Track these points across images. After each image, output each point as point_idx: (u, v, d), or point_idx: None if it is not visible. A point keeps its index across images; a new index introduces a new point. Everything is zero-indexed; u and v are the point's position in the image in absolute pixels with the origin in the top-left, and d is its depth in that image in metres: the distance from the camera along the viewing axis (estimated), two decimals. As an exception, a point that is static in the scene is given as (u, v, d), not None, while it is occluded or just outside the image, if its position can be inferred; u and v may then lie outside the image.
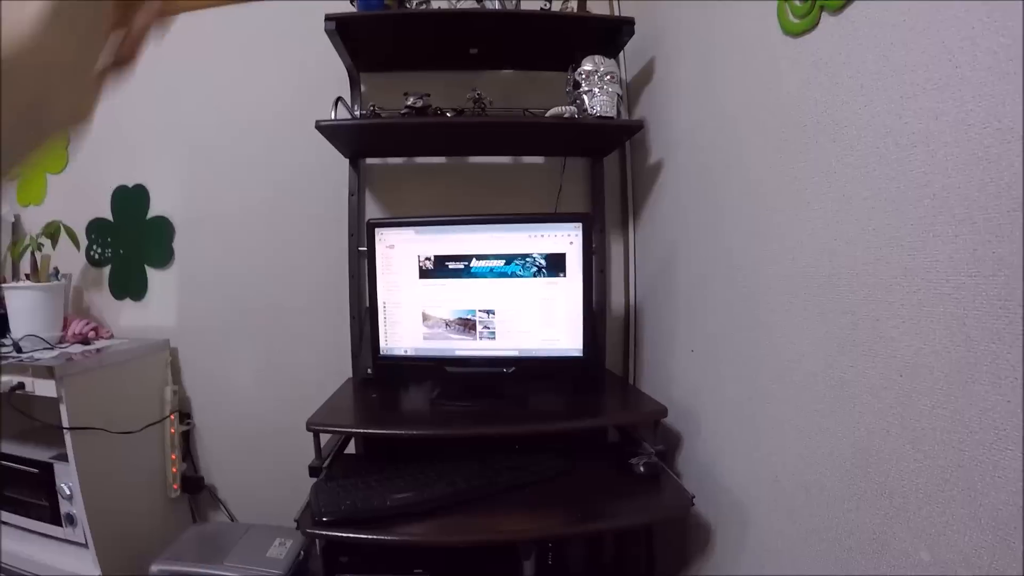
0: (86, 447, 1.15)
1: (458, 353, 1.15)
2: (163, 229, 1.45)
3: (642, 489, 1.04)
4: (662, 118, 1.24)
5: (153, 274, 1.46)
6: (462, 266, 1.12)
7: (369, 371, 1.27)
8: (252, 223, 1.44)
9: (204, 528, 1.42)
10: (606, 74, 1.20)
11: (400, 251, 1.14)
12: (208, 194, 1.45)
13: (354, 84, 1.36)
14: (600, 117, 1.17)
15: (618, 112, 1.20)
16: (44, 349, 1.25)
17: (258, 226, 1.44)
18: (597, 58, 1.21)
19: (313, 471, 1.03)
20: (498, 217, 1.14)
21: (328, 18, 1.13)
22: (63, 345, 1.33)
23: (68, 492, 1.19)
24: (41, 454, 1.24)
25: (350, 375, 1.36)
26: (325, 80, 1.37)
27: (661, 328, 1.29)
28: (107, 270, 1.48)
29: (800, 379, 0.78)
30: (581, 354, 1.14)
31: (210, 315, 1.45)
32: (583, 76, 1.20)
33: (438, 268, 1.13)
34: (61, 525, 1.22)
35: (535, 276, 1.12)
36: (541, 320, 1.13)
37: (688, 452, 1.15)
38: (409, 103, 1.19)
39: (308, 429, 1.02)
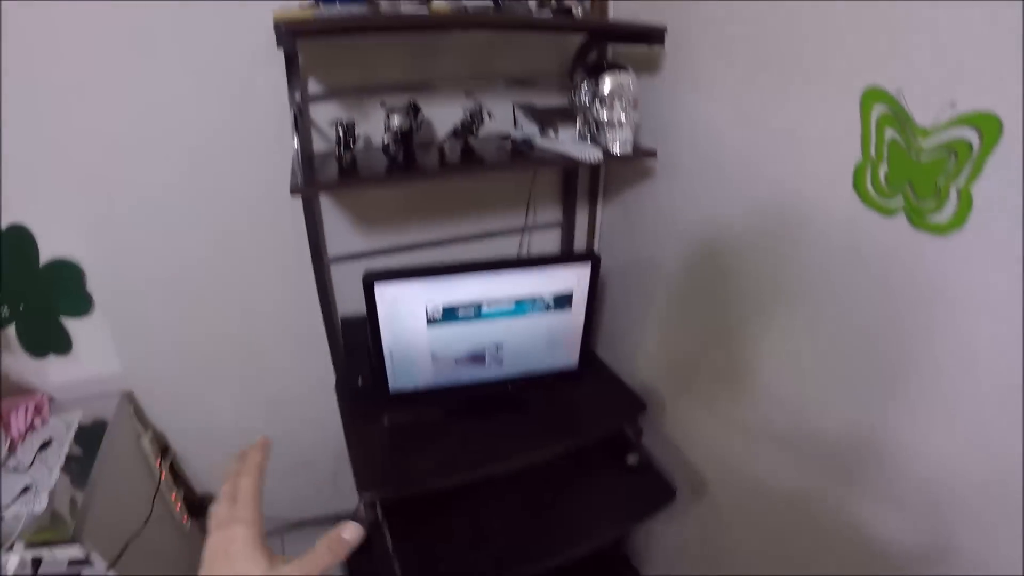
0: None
1: (467, 381, 1.23)
2: (68, 274, 1.11)
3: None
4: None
5: (74, 324, 1.20)
6: (472, 313, 1.14)
7: (360, 381, 1.22)
8: (180, 238, 1.16)
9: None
10: (633, 98, 1.02)
11: (405, 303, 1.09)
12: (116, 226, 1.11)
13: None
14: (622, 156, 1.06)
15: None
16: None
17: (189, 236, 1.17)
18: (622, 74, 1.01)
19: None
20: (509, 262, 1.13)
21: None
22: (12, 461, 1.01)
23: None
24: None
25: (333, 380, 1.35)
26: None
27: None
28: (12, 328, 1.13)
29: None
30: (576, 367, 1.29)
31: (163, 353, 1.26)
32: (602, 99, 1.01)
33: (447, 316, 1.13)
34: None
35: (543, 312, 1.18)
36: (546, 346, 1.23)
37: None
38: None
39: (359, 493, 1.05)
